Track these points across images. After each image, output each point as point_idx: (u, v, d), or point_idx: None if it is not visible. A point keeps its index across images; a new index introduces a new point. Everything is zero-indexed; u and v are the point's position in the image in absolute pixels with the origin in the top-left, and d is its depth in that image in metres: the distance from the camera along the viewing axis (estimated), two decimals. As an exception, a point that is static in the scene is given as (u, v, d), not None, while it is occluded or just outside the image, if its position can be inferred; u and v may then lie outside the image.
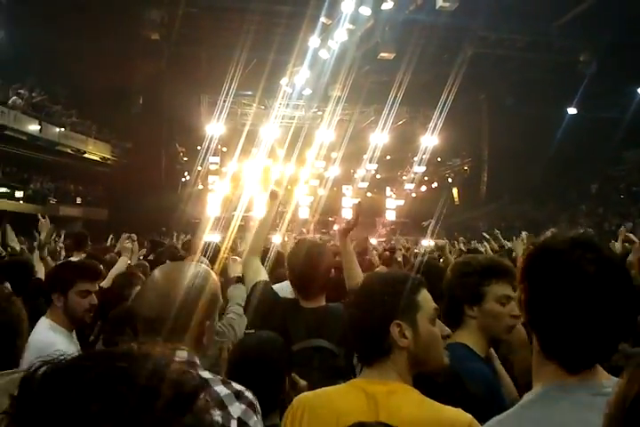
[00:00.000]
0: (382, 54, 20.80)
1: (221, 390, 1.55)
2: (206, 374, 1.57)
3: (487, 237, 9.28)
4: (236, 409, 1.53)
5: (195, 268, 1.68)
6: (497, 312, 2.11)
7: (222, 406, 1.51)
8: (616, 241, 5.89)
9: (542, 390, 1.20)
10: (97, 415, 0.66)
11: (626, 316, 1.21)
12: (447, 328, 1.80)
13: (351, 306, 1.74)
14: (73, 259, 4.90)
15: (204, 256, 4.70)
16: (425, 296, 1.70)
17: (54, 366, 0.72)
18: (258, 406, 1.60)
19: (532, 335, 1.27)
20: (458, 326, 2.20)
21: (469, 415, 1.52)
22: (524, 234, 6.64)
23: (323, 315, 2.63)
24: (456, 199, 33.35)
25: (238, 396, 1.56)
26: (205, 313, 1.61)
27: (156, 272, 1.68)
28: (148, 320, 1.56)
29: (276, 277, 4.11)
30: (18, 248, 5.14)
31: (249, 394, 1.59)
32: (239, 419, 1.52)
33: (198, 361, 1.59)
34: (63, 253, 6.63)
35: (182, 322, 1.55)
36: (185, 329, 1.56)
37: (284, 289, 3.22)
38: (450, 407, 1.54)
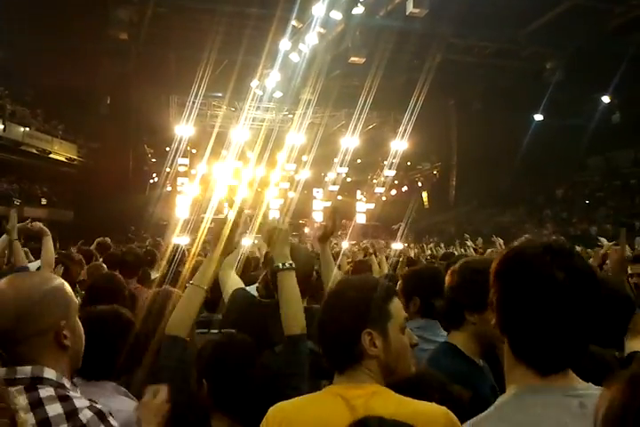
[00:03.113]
0: (353, 58, 20.88)
1: (54, 409, 1.45)
2: (45, 392, 1.47)
3: (468, 239, 9.40)
4: None
5: (38, 275, 1.67)
6: None
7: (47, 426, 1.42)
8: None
9: (514, 392, 1.21)
10: None
11: (593, 321, 1.22)
12: (415, 337, 1.79)
13: (323, 313, 1.71)
14: (33, 264, 4.78)
15: (173, 259, 4.64)
16: (396, 305, 1.70)
17: None
18: (101, 423, 1.49)
19: (502, 338, 1.28)
20: (455, 328, 2.21)
21: (444, 408, 1.53)
22: (495, 238, 6.72)
23: (305, 316, 2.60)
24: (426, 203, 33.65)
25: (69, 417, 1.45)
26: (56, 315, 1.55)
27: None
28: None
29: (245, 280, 4.07)
30: None
31: (87, 413, 1.48)
32: None
33: (51, 374, 1.51)
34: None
35: (28, 330, 1.50)
36: (33, 337, 1.51)
37: (252, 292, 3.21)
38: (426, 402, 1.56)
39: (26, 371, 1.48)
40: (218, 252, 2.27)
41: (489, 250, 8.03)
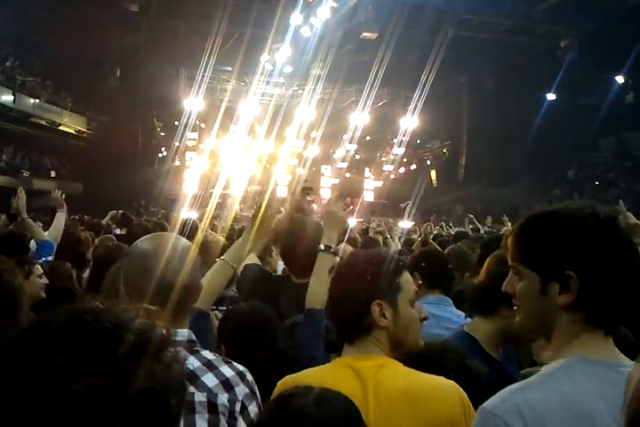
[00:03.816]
0: (365, 34, 20.65)
1: (227, 370, 1.54)
2: (208, 355, 1.55)
3: (472, 218, 9.37)
4: (241, 391, 1.52)
5: (178, 237, 1.65)
6: None
7: (229, 386, 1.50)
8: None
9: (563, 362, 1.21)
10: (61, 366, 0.68)
11: None
12: (425, 311, 1.78)
13: (334, 284, 1.74)
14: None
15: (182, 233, 4.65)
16: (406, 278, 1.71)
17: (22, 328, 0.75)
18: (256, 389, 1.59)
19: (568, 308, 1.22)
20: (483, 316, 2.16)
21: (452, 382, 1.55)
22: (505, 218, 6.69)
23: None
24: (434, 182, 33.50)
25: (242, 377, 1.55)
26: (199, 282, 1.65)
27: (146, 242, 1.60)
28: (149, 291, 1.49)
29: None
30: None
31: (249, 376, 1.58)
32: (242, 402, 1.51)
33: (195, 338, 1.57)
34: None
35: (185, 292, 1.52)
36: (185, 300, 1.54)
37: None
38: (436, 376, 1.57)
39: (184, 333, 1.54)
40: (253, 234, 2.35)
41: (504, 228, 8.00)
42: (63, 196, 4.74)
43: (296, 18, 19.94)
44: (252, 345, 2.06)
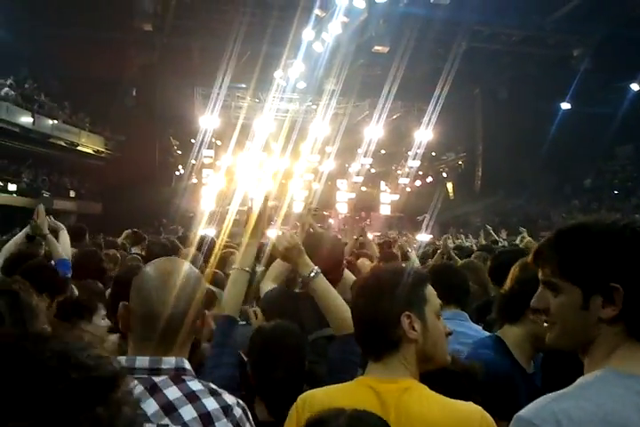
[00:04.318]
0: (377, 48, 20.77)
1: (210, 403, 1.43)
2: (194, 385, 1.45)
3: (490, 230, 9.32)
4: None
5: (186, 264, 1.60)
6: None
7: (208, 421, 1.39)
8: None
9: (599, 374, 1.20)
10: None
11: None
12: (449, 327, 1.77)
13: (359, 297, 1.70)
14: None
15: (199, 250, 4.68)
16: (431, 291, 1.69)
17: None
18: (247, 422, 1.48)
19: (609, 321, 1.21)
20: (511, 323, 2.16)
21: (479, 407, 1.52)
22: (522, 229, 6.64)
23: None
24: (451, 194, 33.38)
25: (227, 412, 1.44)
26: (198, 312, 1.54)
27: (151, 267, 1.57)
28: (144, 318, 1.48)
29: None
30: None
31: (238, 410, 1.47)
32: None
33: (189, 365, 1.50)
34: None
35: (178, 321, 1.48)
36: (178, 329, 1.48)
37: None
38: (460, 402, 1.54)
39: (170, 361, 1.46)
40: (247, 236, 2.38)
41: (521, 238, 7.94)
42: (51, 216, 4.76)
43: (308, 33, 20.14)
44: (272, 361, 2.06)
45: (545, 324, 1.31)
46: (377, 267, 1.82)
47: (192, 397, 1.42)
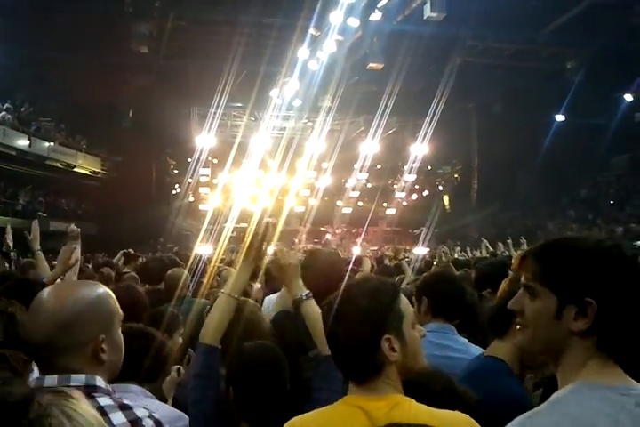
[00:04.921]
0: (371, 65, 20.89)
1: (117, 417, 1.43)
2: (103, 401, 1.45)
3: (485, 242, 9.33)
4: None
5: (83, 284, 1.62)
6: None
7: None
8: None
9: (571, 388, 1.21)
10: None
11: None
12: (422, 328, 1.74)
13: (335, 323, 1.63)
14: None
15: (196, 268, 4.68)
16: (404, 302, 1.65)
17: None
18: None
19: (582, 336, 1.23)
20: (499, 337, 2.20)
21: (467, 416, 1.51)
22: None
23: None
24: (447, 207, 33.45)
25: (135, 425, 1.44)
26: (97, 327, 1.52)
27: (43, 294, 1.55)
28: (36, 345, 1.48)
29: (270, 288, 4.09)
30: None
31: (149, 421, 1.48)
32: None
33: (101, 383, 1.49)
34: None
35: (69, 341, 1.47)
36: (74, 348, 1.48)
37: (272, 300, 3.25)
38: (449, 411, 1.53)
39: (80, 379, 1.46)
40: (242, 258, 2.27)
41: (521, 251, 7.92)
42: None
43: (303, 52, 20.31)
44: (251, 382, 2.00)
45: (517, 327, 1.31)
46: (347, 287, 1.75)
47: (99, 413, 1.40)
